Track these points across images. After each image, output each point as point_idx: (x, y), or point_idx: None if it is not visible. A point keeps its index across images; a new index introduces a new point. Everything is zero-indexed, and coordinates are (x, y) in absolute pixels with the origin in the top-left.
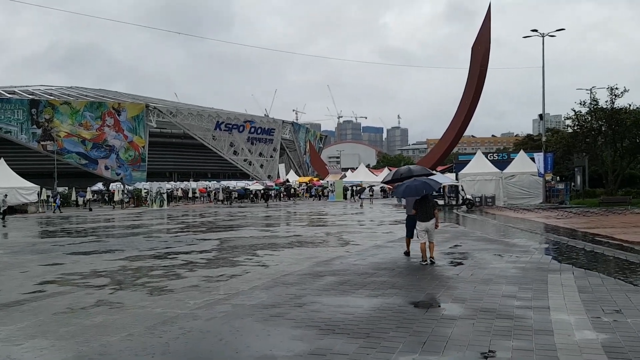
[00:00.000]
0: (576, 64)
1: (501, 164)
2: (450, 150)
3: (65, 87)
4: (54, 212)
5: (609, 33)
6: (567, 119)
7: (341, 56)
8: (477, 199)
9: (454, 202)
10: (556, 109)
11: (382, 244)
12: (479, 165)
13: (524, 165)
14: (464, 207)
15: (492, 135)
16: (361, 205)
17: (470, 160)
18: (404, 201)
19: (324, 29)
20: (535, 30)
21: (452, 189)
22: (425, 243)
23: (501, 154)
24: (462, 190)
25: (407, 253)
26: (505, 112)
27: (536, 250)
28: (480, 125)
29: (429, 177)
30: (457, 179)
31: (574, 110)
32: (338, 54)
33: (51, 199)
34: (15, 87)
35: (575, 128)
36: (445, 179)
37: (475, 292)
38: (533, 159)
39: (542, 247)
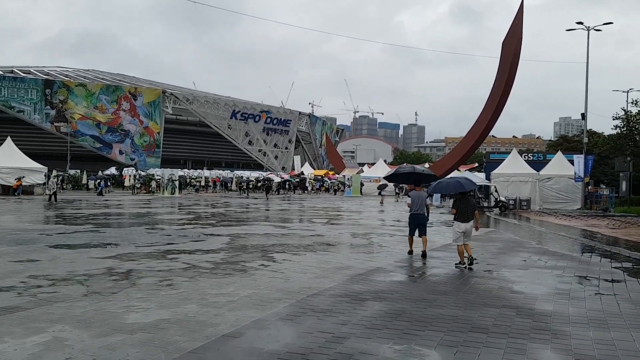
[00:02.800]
0: (595, 68)
1: (536, 164)
2: (475, 148)
3: (82, 69)
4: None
5: (625, 40)
6: (616, 118)
7: (355, 53)
8: (511, 202)
9: (485, 204)
10: (579, 113)
11: (419, 253)
12: (514, 165)
13: (562, 167)
14: (496, 210)
15: (514, 136)
16: (382, 203)
17: (503, 159)
18: (408, 199)
19: (339, 26)
20: (581, 23)
21: (483, 189)
22: (462, 245)
23: (536, 154)
24: (496, 191)
25: (410, 252)
26: (517, 114)
27: (622, 271)
28: (495, 126)
29: (464, 177)
30: (487, 178)
31: (624, 110)
32: (353, 50)
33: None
34: (31, 67)
35: (624, 129)
36: (476, 178)
37: (602, 345)
38: (572, 161)
39: (626, 268)
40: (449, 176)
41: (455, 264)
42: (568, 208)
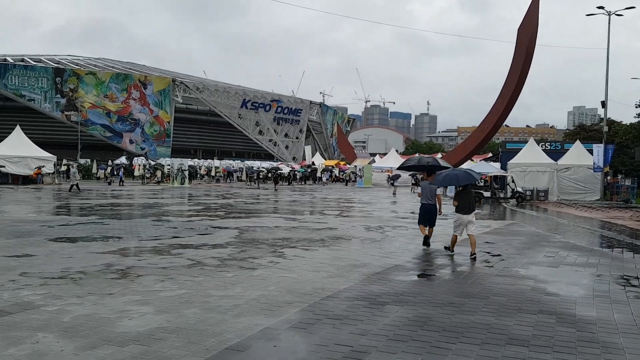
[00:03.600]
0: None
1: (553, 154)
2: (489, 138)
3: (93, 58)
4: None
5: (637, 29)
6: (638, 106)
7: (365, 41)
8: (528, 193)
9: (501, 195)
10: (593, 102)
11: (439, 249)
12: (531, 154)
13: (580, 157)
14: (513, 201)
15: (527, 126)
16: (394, 194)
17: (519, 148)
18: (419, 189)
19: (347, 14)
20: (602, 7)
21: (499, 180)
22: (457, 236)
23: (553, 143)
24: (513, 181)
25: (426, 241)
26: (528, 103)
27: None
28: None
29: (468, 169)
30: (503, 168)
31: None
32: (362, 39)
33: (98, 169)
34: (42, 55)
35: None
36: (491, 168)
37: None
38: (590, 151)
39: None
40: (449, 168)
41: (445, 246)
42: (587, 199)
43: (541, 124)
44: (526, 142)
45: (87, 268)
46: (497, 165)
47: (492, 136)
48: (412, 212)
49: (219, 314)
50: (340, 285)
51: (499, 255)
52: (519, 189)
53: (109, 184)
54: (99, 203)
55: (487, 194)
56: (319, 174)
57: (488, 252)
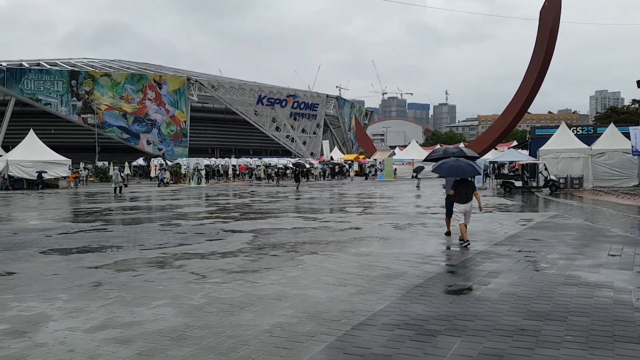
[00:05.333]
0: (626, 41)
1: (586, 139)
2: (514, 124)
3: (108, 59)
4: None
5: None
6: None
7: (377, 35)
8: (562, 180)
9: (534, 184)
10: (614, 86)
11: (483, 250)
12: (564, 140)
13: (615, 141)
14: (546, 190)
15: (549, 112)
16: (418, 187)
17: (549, 134)
18: (444, 181)
19: (358, 7)
20: None
21: (529, 168)
22: (464, 224)
23: (585, 127)
24: (546, 169)
25: (447, 233)
26: (545, 89)
27: None
28: None
29: (473, 161)
30: (532, 155)
31: None
32: (373, 32)
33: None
34: (57, 59)
35: None
36: (521, 156)
37: None
38: (625, 134)
39: None
40: (452, 159)
41: (460, 242)
42: (623, 185)
43: (563, 109)
44: (551, 128)
45: (70, 289)
46: (525, 152)
47: (517, 122)
48: (442, 207)
49: (218, 356)
50: (375, 305)
51: (556, 256)
52: (553, 177)
53: (125, 185)
54: (109, 207)
55: (518, 183)
56: (349, 170)
57: (542, 253)
